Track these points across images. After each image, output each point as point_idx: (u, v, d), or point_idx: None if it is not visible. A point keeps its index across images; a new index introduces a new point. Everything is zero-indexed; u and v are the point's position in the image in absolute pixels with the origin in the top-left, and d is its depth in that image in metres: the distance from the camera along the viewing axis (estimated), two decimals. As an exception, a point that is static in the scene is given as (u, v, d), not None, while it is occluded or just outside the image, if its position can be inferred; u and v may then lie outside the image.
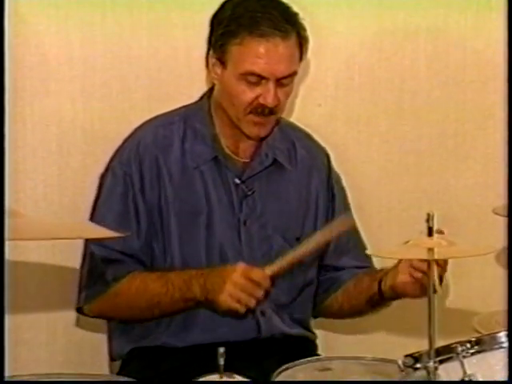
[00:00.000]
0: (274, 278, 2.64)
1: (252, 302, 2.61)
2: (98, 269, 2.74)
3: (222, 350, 2.14)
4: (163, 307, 2.72)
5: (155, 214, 2.76)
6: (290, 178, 2.85)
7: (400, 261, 2.64)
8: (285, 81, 2.67)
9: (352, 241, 2.91)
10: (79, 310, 2.82)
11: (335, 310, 2.93)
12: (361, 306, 2.86)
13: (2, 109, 2.60)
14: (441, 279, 2.52)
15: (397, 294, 2.72)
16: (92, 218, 2.76)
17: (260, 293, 2.60)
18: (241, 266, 2.62)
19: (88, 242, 2.74)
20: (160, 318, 2.76)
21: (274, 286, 2.73)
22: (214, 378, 2.13)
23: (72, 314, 2.91)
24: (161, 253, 2.76)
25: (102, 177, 2.81)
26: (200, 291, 2.67)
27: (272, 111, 2.69)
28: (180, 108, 2.84)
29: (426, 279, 2.38)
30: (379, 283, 2.75)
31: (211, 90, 2.79)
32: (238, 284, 2.60)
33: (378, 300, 2.78)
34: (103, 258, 2.74)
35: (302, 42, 2.69)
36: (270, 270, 2.63)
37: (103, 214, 2.74)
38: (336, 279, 2.91)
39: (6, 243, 2.14)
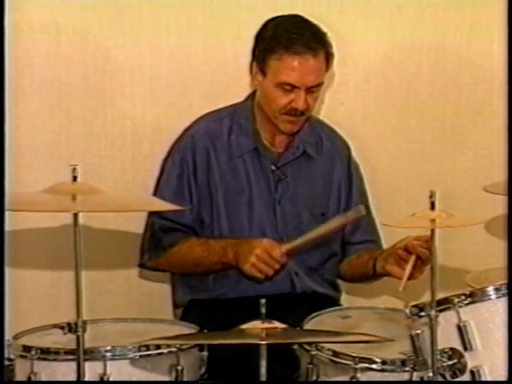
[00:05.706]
0: (291, 253, 2.60)
1: (270, 272, 2.58)
2: (157, 236, 2.75)
3: (263, 301, 2.14)
4: (204, 267, 2.73)
5: (205, 193, 2.74)
6: (316, 166, 2.83)
7: (393, 246, 2.62)
8: (314, 89, 2.66)
9: (365, 218, 2.86)
10: (141, 266, 2.83)
11: (343, 276, 2.90)
12: (359, 276, 2.84)
13: (2, 108, 2.59)
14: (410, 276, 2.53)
15: (386, 272, 2.67)
16: (154, 194, 2.76)
17: (276, 266, 2.53)
18: (263, 243, 2.59)
19: (150, 213, 2.74)
20: (203, 274, 2.76)
21: (304, 254, 2.73)
22: (257, 323, 2.11)
23: (143, 270, 2.91)
24: (210, 224, 2.75)
25: (164, 161, 2.81)
26: (233, 257, 2.65)
27: (302, 113, 2.67)
28: (229, 106, 2.82)
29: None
30: (374, 261, 2.72)
31: (254, 92, 2.78)
32: (259, 257, 2.57)
33: (372, 274, 2.76)
34: (161, 227, 2.74)
35: (328, 57, 2.67)
36: (287, 247, 2.60)
37: (163, 191, 2.74)
38: (347, 252, 2.88)
39: (88, 214, 2.15)
